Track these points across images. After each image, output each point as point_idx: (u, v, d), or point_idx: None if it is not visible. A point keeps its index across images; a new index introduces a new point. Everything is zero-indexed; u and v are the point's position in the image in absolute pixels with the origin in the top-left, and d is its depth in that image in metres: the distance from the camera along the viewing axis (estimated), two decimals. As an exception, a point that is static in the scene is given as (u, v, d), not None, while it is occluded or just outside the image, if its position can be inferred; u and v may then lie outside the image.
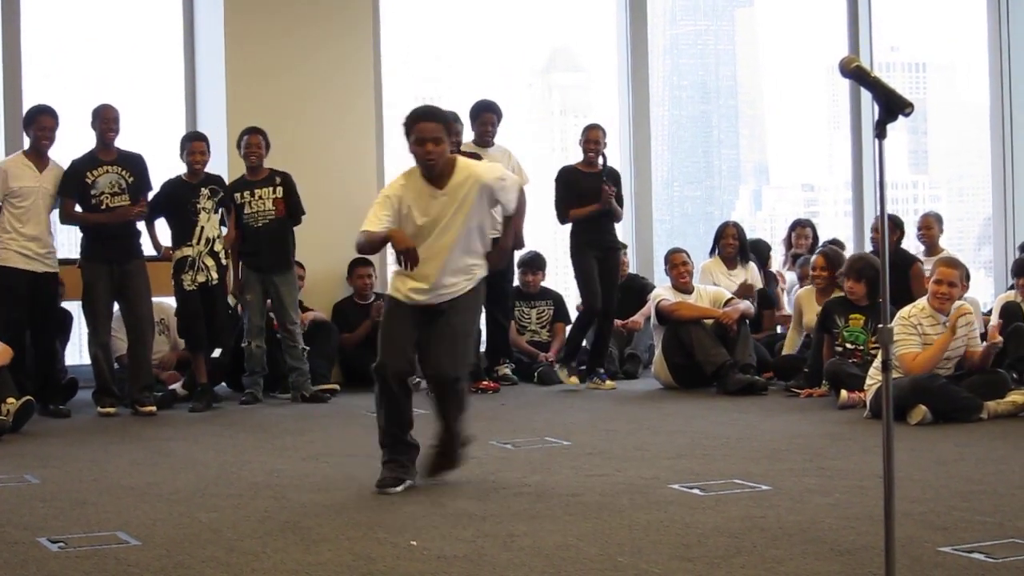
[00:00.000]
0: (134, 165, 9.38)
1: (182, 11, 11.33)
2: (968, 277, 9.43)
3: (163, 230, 9.72)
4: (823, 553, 4.80)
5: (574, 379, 10.22)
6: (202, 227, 9.50)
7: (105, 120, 9.29)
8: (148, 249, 9.65)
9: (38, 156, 9.12)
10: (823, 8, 13.89)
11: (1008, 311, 9.62)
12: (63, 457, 7.43)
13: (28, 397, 8.41)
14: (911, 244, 11.65)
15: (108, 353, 9.44)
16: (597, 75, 13.40)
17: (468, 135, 10.49)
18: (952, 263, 8.71)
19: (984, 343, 8.68)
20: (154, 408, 9.24)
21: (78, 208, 9.22)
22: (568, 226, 10.33)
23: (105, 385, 9.30)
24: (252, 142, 9.92)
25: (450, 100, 11.48)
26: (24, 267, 9.01)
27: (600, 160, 10.44)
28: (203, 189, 9.52)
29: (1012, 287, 10.34)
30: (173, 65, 11.37)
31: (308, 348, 10.05)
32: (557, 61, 13.77)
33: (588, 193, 10.17)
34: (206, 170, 9.64)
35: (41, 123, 9.10)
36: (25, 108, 10.32)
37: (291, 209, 9.97)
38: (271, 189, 9.91)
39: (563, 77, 13.85)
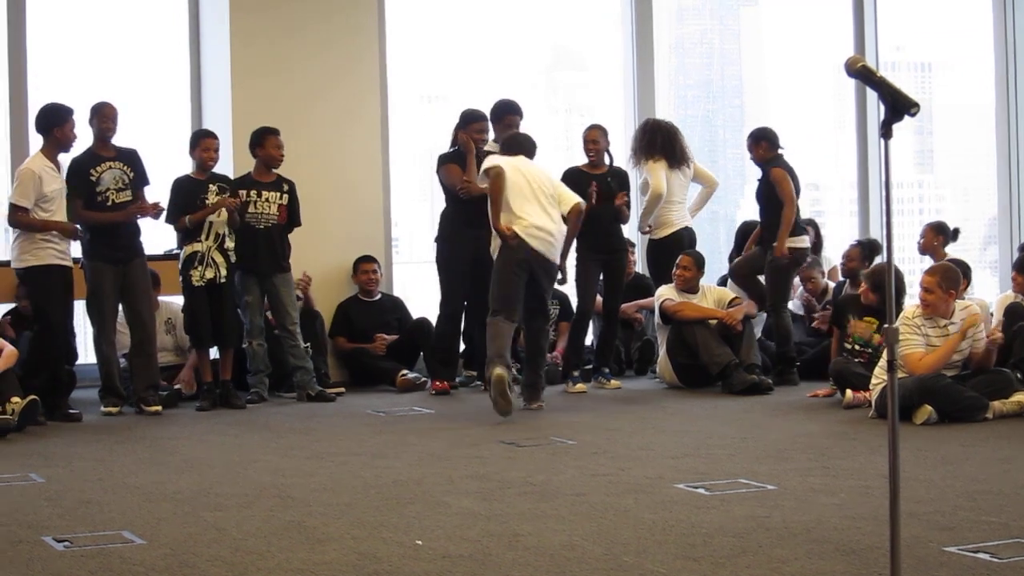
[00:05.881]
0: (133, 160, 9.38)
1: (188, 9, 11.31)
2: (967, 274, 9.47)
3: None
4: (828, 553, 4.80)
5: (580, 386, 10.20)
6: (211, 222, 9.51)
7: (107, 118, 9.27)
8: (149, 248, 9.71)
9: (56, 155, 9.08)
10: (829, 8, 13.86)
11: (1012, 311, 9.61)
12: (68, 456, 7.44)
13: (33, 396, 8.41)
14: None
15: (115, 352, 9.44)
16: (602, 74, 13.39)
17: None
18: (931, 270, 8.73)
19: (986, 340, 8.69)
20: (159, 407, 9.25)
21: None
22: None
23: (111, 385, 9.30)
24: (277, 144, 9.89)
25: (456, 98, 11.46)
26: (61, 263, 9.01)
27: (607, 160, 10.46)
28: (211, 185, 9.54)
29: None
30: (179, 63, 11.37)
31: (308, 345, 10.08)
32: (562, 60, 13.75)
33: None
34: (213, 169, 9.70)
35: (74, 123, 9.06)
36: (31, 107, 10.35)
37: (291, 217, 10.00)
38: (278, 194, 9.92)
39: (568, 76, 13.84)
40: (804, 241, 10.66)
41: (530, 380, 9.25)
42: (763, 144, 10.62)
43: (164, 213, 9.46)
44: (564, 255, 9.35)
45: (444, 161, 10.23)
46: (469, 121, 10.20)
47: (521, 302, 9.06)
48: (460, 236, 10.13)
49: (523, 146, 9.41)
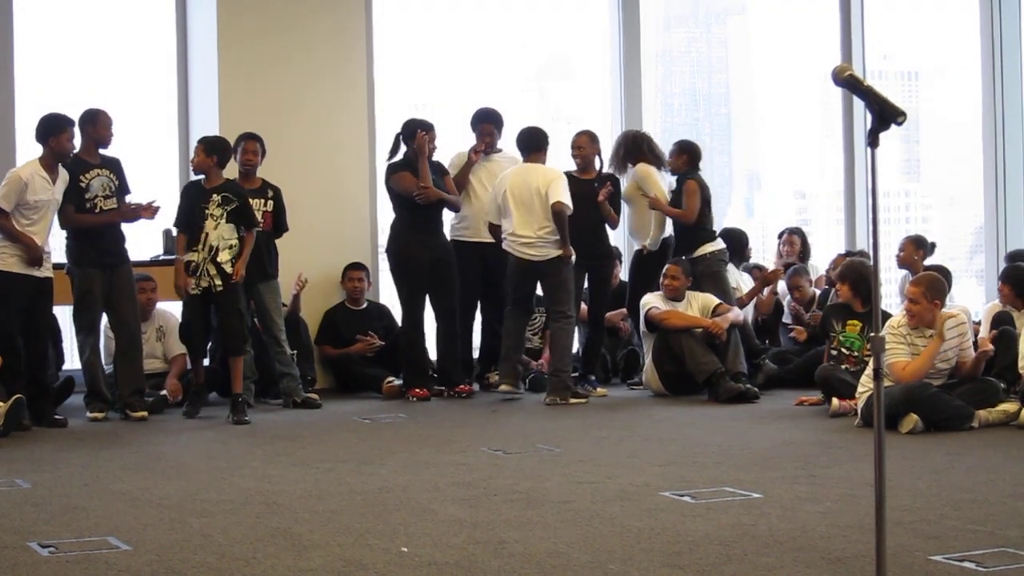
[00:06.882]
0: (117, 168, 9.35)
1: (175, 11, 11.31)
2: (949, 281, 9.50)
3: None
4: (814, 561, 4.80)
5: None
6: (207, 233, 9.26)
7: (106, 125, 9.23)
8: (136, 254, 9.73)
9: (53, 166, 9.01)
10: (816, 16, 13.90)
11: (1000, 320, 9.64)
12: (54, 461, 7.42)
13: (18, 396, 8.38)
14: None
15: (100, 358, 9.41)
16: (590, 82, 13.41)
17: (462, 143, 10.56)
18: (916, 280, 8.77)
19: (976, 351, 8.72)
20: (145, 413, 9.21)
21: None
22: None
23: (97, 390, 9.27)
24: (248, 148, 9.91)
25: (443, 105, 11.46)
26: (25, 272, 8.93)
27: (597, 166, 10.53)
28: (215, 195, 9.29)
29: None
30: (166, 66, 11.35)
31: (296, 352, 10.05)
32: (550, 68, 13.77)
33: (582, 199, 10.17)
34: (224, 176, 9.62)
35: (71, 133, 8.99)
36: (17, 111, 10.35)
37: (277, 224, 9.97)
38: (262, 201, 9.89)
39: (556, 84, 13.86)
40: (720, 244, 10.95)
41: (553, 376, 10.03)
42: (684, 157, 10.88)
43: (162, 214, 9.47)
44: (563, 241, 9.92)
45: (395, 170, 10.22)
46: (421, 130, 10.17)
47: (531, 299, 10.39)
48: (412, 244, 10.16)
49: (539, 142, 10.23)
